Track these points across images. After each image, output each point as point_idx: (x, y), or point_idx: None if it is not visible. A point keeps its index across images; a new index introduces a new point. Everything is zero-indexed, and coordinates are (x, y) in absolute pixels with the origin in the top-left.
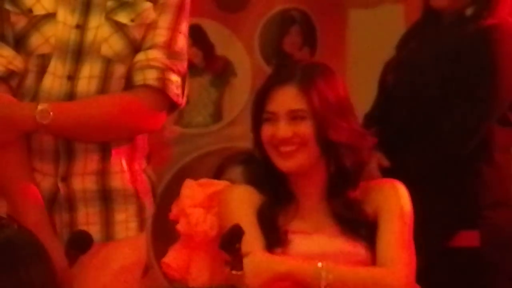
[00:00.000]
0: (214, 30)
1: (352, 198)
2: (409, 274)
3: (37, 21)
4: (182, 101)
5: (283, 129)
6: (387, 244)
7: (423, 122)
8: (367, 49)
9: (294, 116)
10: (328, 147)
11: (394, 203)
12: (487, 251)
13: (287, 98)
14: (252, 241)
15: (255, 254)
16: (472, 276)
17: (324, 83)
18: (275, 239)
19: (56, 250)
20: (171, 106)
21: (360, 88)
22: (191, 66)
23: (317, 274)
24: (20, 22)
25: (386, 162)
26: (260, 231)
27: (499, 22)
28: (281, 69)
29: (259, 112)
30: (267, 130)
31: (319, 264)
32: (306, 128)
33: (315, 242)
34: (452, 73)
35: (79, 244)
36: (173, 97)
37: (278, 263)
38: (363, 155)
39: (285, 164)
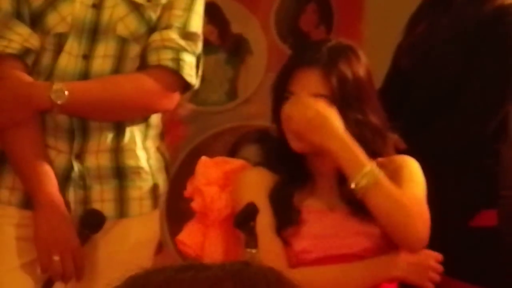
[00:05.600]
0: (230, 8)
1: None
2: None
3: (54, 0)
4: (196, 81)
5: None
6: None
7: (440, 104)
8: (383, 27)
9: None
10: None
11: (407, 172)
12: (505, 231)
13: (310, 82)
14: (264, 225)
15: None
16: (490, 255)
17: (349, 70)
18: (288, 218)
19: (68, 229)
20: (185, 86)
21: (376, 67)
22: (207, 44)
23: None
24: (37, 0)
25: (402, 145)
26: (272, 214)
27: None
28: (306, 49)
29: (281, 91)
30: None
31: None
32: None
33: (329, 222)
34: (469, 54)
35: (92, 223)
36: (187, 78)
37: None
38: (376, 148)
39: (300, 145)
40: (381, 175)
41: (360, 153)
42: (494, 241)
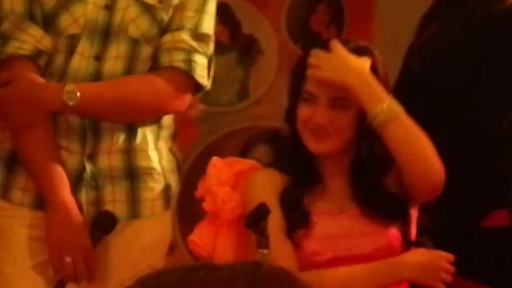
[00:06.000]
0: (241, 8)
1: (377, 184)
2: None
3: (67, 1)
4: (208, 83)
5: (321, 115)
6: None
7: (452, 104)
8: (394, 27)
9: (334, 103)
10: (364, 135)
11: None
12: None
13: (328, 82)
14: (274, 227)
15: None
16: (502, 255)
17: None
18: (298, 220)
19: (80, 230)
20: (197, 87)
21: (388, 67)
22: (218, 44)
23: None
24: (50, 2)
25: None
26: (282, 215)
27: None
28: (322, 48)
29: (298, 90)
30: (304, 111)
31: None
32: (344, 117)
33: (339, 223)
34: (481, 53)
35: (104, 224)
36: (198, 79)
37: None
38: None
39: (316, 146)
40: (400, 109)
41: (379, 89)
42: (506, 241)
